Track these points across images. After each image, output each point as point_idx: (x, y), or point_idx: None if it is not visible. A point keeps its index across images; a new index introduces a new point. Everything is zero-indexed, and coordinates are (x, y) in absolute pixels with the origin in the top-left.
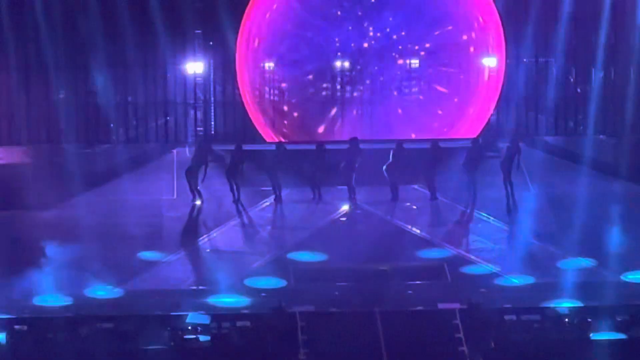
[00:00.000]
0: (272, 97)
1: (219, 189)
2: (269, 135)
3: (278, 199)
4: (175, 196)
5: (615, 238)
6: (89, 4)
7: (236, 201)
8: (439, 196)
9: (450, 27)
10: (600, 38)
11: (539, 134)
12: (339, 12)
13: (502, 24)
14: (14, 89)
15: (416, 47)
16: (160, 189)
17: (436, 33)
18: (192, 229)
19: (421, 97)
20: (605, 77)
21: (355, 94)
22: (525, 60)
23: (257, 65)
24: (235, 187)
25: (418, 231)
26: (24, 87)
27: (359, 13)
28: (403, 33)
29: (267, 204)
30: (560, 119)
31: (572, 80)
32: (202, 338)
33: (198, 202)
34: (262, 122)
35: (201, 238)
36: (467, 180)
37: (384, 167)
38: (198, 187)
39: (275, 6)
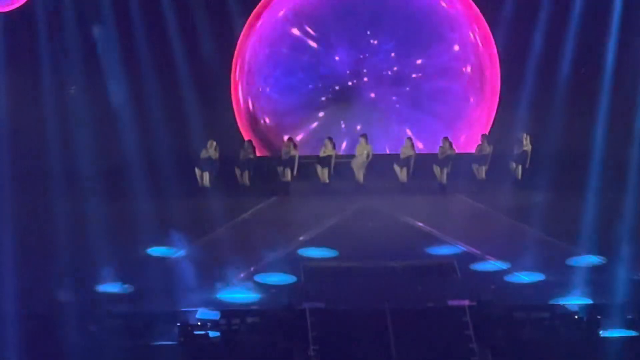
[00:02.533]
0: (266, 122)
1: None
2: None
3: (286, 194)
4: None
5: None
6: None
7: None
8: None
9: (446, 50)
10: None
11: None
12: (333, 36)
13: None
14: None
15: (411, 71)
16: None
17: (431, 56)
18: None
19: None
20: None
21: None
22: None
23: (251, 88)
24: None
25: (428, 228)
26: None
27: (355, 36)
28: (398, 56)
29: (276, 199)
30: None
31: None
32: (211, 334)
33: None
34: (258, 145)
35: (211, 232)
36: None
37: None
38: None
39: (270, 29)
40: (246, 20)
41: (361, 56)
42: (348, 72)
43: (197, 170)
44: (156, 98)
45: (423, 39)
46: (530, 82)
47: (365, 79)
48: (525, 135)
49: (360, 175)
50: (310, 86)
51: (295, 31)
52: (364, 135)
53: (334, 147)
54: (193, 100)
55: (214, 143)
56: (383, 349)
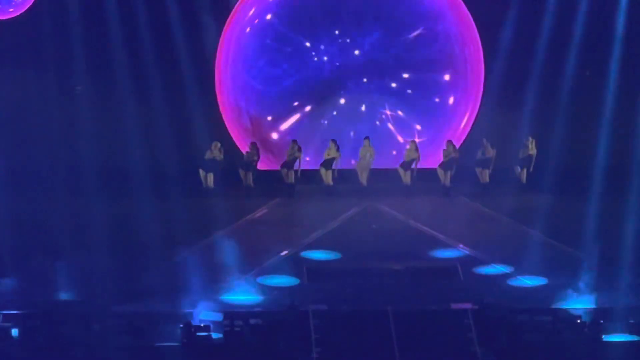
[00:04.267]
0: (251, 112)
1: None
2: (246, 150)
3: (290, 196)
4: None
5: None
6: None
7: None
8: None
9: (432, 43)
10: None
11: None
12: (318, 28)
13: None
14: None
15: (396, 64)
16: None
17: (414, 49)
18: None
19: (400, 112)
20: None
21: (334, 111)
22: None
23: (236, 79)
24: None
25: (432, 231)
26: None
27: (339, 29)
28: (383, 49)
29: (279, 200)
30: None
31: None
32: (214, 335)
33: None
34: (242, 137)
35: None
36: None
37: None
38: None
39: (255, 21)
40: (229, 14)
41: (345, 48)
42: (331, 63)
43: (201, 172)
44: (158, 98)
45: (407, 31)
46: (534, 85)
47: (349, 71)
48: (530, 139)
49: (363, 177)
50: (294, 78)
51: (279, 23)
52: (367, 138)
53: (338, 149)
54: (197, 100)
55: (218, 144)
56: (386, 351)
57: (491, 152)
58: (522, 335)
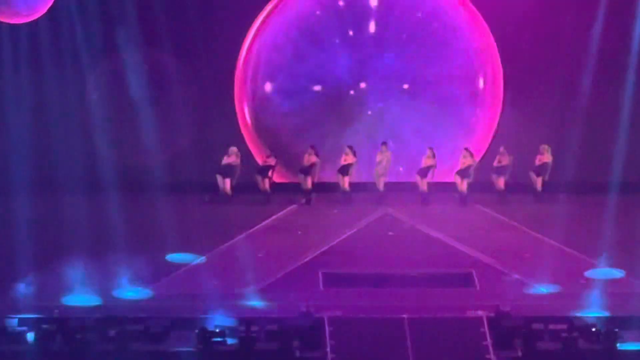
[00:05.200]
0: (270, 127)
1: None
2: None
3: (308, 203)
4: None
5: None
6: None
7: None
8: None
9: (451, 64)
10: None
11: None
12: (338, 42)
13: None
14: None
15: (415, 79)
16: None
17: (435, 64)
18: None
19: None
20: None
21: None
22: None
23: (256, 94)
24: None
25: (447, 237)
26: None
27: (360, 44)
28: (401, 64)
29: (296, 207)
30: None
31: None
32: (229, 341)
33: None
34: (258, 149)
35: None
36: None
37: None
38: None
39: (274, 35)
40: (251, 25)
41: (365, 63)
42: (351, 78)
43: (218, 177)
44: (177, 102)
45: (427, 47)
46: (550, 92)
47: (368, 86)
48: (545, 146)
49: (380, 183)
50: (313, 92)
51: (300, 37)
52: (385, 143)
53: (354, 154)
54: (215, 105)
55: (235, 149)
56: (401, 358)
57: (507, 160)
58: (537, 343)
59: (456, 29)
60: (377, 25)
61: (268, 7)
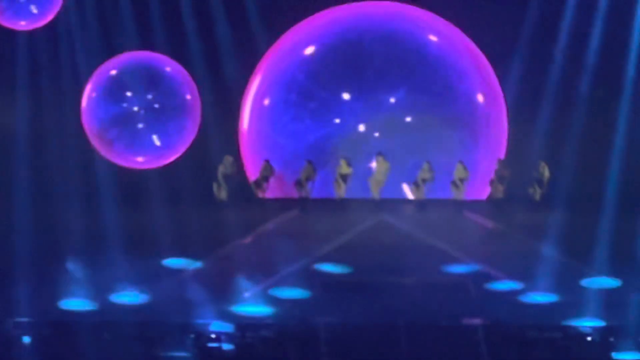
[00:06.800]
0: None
1: None
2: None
3: (304, 210)
4: None
5: None
6: None
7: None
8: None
9: (453, 101)
10: None
11: None
12: (343, 84)
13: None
14: None
15: (418, 120)
16: None
17: (437, 105)
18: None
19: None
20: None
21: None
22: None
23: (260, 133)
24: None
25: (443, 245)
26: None
27: (364, 85)
28: (406, 105)
29: (293, 214)
30: None
31: None
32: (225, 346)
33: None
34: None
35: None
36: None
37: None
38: None
39: (279, 75)
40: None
41: (370, 105)
42: (356, 120)
43: (214, 185)
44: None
45: (431, 89)
46: (547, 103)
47: (374, 128)
48: (542, 163)
49: (376, 192)
50: (318, 133)
51: (305, 78)
52: (381, 153)
53: (349, 165)
54: (212, 112)
55: (231, 159)
56: None
57: (505, 172)
58: (531, 351)
59: (461, 71)
60: (381, 66)
61: None
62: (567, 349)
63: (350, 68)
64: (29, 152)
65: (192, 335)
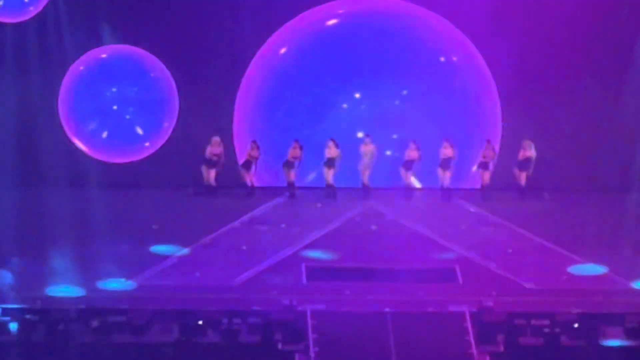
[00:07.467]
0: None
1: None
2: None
3: (292, 196)
4: None
5: None
6: None
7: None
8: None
9: (449, 97)
10: None
11: None
12: (337, 80)
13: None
14: None
15: (413, 115)
16: None
17: (434, 102)
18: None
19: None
20: None
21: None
22: None
23: (253, 127)
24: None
25: (431, 232)
26: None
27: (358, 81)
28: (400, 101)
29: (281, 201)
30: None
31: None
32: (212, 333)
33: None
34: None
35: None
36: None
37: None
38: None
39: (273, 70)
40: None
41: (364, 101)
42: (349, 116)
43: (203, 168)
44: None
45: (424, 85)
46: (535, 87)
47: (367, 122)
48: (528, 142)
49: (365, 177)
50: (312, 129)
51: (298, 74)
52: (368, 135)
53: (337, 147)
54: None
55: (218, 139)
56: (383, 352)
57: (492, 155)
58: (519, 338)
59: (455, 68)
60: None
61: None
62: (555, 336)
63: (345, 64)
64: (14, 138)
65: (179, 323)
